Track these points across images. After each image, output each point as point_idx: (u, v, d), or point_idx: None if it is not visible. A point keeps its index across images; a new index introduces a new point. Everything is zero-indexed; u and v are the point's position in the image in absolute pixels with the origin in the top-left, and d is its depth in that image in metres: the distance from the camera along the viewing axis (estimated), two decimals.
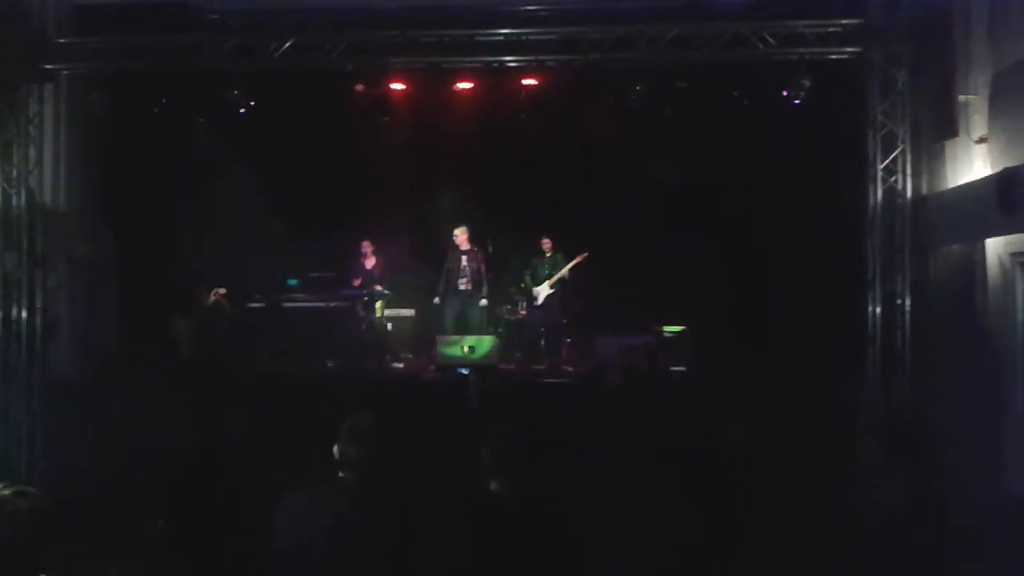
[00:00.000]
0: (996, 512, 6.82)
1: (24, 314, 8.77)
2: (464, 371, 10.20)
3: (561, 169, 11.67)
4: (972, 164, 7.67)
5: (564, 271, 11.58)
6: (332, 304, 11.42)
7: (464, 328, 11.32)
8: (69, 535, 3.13)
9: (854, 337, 8.50)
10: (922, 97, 8.34)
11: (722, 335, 10.25)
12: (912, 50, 8.20)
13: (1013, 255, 7.14)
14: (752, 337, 9.95)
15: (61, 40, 9.01)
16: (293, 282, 11.71)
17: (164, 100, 10.27)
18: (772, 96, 9.25)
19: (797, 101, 9.04)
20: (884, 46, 8.24)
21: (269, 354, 10.48)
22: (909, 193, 8.32)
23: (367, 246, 11.69)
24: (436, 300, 11.56)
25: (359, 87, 10.74)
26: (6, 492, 2.92)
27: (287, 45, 8.79)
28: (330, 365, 10.87)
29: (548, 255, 11.77)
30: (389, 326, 11.87)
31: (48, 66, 8.92)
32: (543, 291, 11.67)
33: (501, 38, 8.79)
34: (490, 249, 11.66)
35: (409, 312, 12.18)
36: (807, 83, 8.91)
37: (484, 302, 11.52)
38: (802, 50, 8.49)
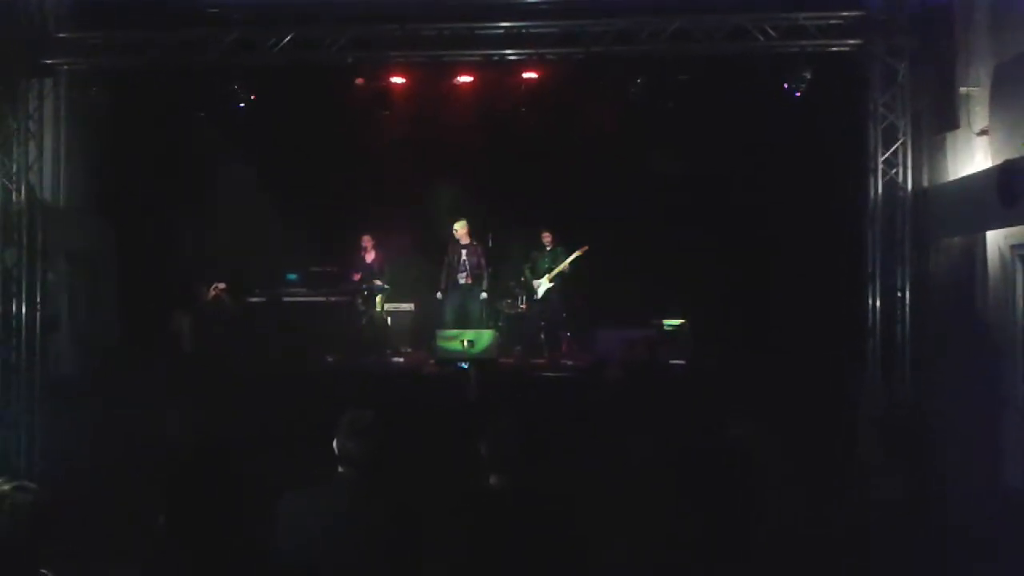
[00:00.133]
0: (995, 505, 6.83)
1: (24, 311, 8.77)
2: (464, 365, 10.20)
3: (562, 163, 11.66)
4: (973, 156, 7.66)
5: (564, 265, 11.57)
6: (332, 299, 11.41)
7: (464, 322, 11.33)
8: (69, 534, 3.13)
9: (855, 330, 8.50)
10: (923, 89, 8.32)
11: (723, 328, 10.27)
12: (913, 42, 8.17)
13: (1013, 247, 7.14)
14: (753, 330, 9.96)
15: (61, 35, 8.98)
16: (293, 276, 11.71)
17: (164, 95, 10.25)
18: (773, 88, 9.24)
19: (798, 93, 9.03)
20: (885, 38, 8.21)
21: (269, 349, 10.47)
22: (910, 185, 8.31)
23: (367, 240, 11.70)
24: (439, 295, 11.57)
25: (359, 81, 10.71)
26: (6, 487, 2.92)
27: (287, 39, 8.77)
28: (330, 360, 10.88)
29: (548, 248, 11.76)
30: (389, 320, 11.87)
31: (48, 61, 8.90)
32: (543, 285, 11.66)
33: (501, 31, 8.78)
34: (490, 243, 11.65)
35: (409, 306, 12.18)
36: (808, 75, 8.89)
37: (484, 296, 11.53)
38: (803, 42, 8.47)
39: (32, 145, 8.88)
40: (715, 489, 2.72)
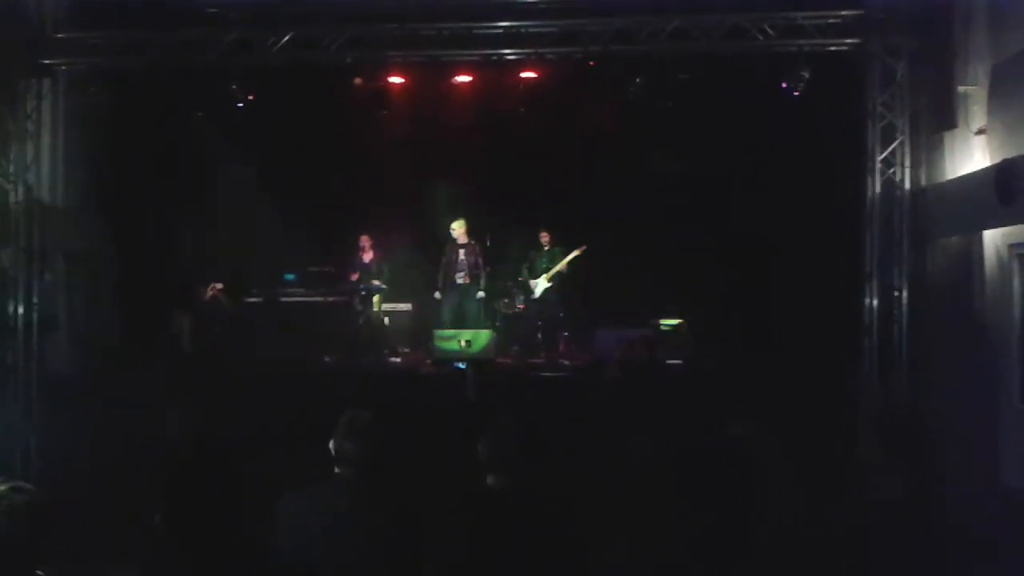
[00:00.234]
0: (995, 505, 6.83)
1: (21, 310, 8.76)
2: (461, 365, 10.19)
3: (560, 162, 11.66)
4: (971, 155, 7.66)
5: (562, 264, 11.57)
6: (330, 298, 11.41)
7: (461, 322, 11.32)
8: (68, 534, 3.13)
9: (854, 329, 8.50)
10: (921, 88, 8.32)
11: (721, 327, 10.27)
12: (911, 41, 8.18)
13: (1011, 247, 7.13)
14: (751, 329, 9.96)
15: (59, 35, 8.99)
16: (290, 277, 11.70)
17: (163, 95, 10.24)
18: (771, 88, 9.23)
19: (796, 93, 9.02)
20: (883, 37, 8.23)
21: (267, 349, 10.47)
22: (908, 185, 8.32)
23: (365, 240, 11.68)
24: (436, 294, 11.56)
25: (358, 81, 10.70)
26: (2, 488, 2.91)
27: (286, 39, 8.78)
28: (328, 360, 10.86)
29: (546, 248, 11.75)
30: (387, 320, 11.86)
31: (46, 61, 8.90)
32: (540, 285, 11.66)
33: (500, 31, 8.79)
34: (488, 242, 11.65)
35: (407, 306, 12.16)
36: (806, 75, 8.88)
37: (481, 295, 11.52)
38: (801, 41, 8.48)
39: (31, 145, 8.90)
40: (715, 489, 2.72)
